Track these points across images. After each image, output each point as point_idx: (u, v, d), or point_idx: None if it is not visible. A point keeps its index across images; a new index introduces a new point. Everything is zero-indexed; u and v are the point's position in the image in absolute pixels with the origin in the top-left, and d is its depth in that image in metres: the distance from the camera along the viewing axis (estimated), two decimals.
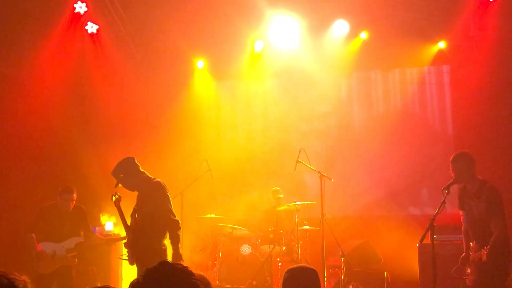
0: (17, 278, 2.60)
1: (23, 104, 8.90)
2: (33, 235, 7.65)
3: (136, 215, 6.36)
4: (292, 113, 10.61)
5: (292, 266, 3.92)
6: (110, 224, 8.88)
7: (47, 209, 7.88)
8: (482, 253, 6.09)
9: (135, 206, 6.38)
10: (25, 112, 8.98)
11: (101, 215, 8.82)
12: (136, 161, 6.34)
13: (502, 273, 6.16)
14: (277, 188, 9.69)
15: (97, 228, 8.73)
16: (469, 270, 6.40)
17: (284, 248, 8.79)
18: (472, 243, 6.38)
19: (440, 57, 10.11)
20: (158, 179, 6.35)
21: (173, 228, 6.15)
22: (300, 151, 8.56)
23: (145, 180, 6.32)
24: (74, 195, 7.82)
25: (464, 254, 6.49)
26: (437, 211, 5.90)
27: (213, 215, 9.17)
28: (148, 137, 10.15)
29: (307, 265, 3.99)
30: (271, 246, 8.62)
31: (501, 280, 6.15)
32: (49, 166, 9.10)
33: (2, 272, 2.52)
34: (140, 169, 6.36)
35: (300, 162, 8.54)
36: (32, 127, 9.11)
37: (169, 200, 6.34)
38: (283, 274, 3.92)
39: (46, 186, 8.97)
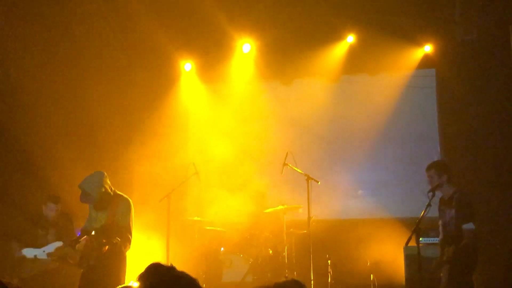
0: (9, 281, 2.63)
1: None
2: (15, 242, 7.76)
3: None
4: (280, 115, 10.66)
5: (279, 282, 3.72)
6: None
7: (32, 217, 7.95)
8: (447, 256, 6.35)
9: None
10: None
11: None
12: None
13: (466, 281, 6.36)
14: (263, 191, 9.73)
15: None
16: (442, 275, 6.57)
17: (270, 251, 8.82)
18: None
19: (426, 60, 10.21)
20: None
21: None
22: (287, 153, 8.63)
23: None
24: (59, 205, 7.90)
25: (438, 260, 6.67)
26: (423, 214, 6.06)
27: (199, 218, 9.24)
28: (134, 140, 10.15)
29: (295, 279, 3.79)
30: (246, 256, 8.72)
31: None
32: (33, 170, 9.12)
33: None
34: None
35: (287, 165, 8.61)
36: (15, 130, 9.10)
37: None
38: None
39: (31, 192, 8.98)
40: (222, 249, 8.99)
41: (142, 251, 8.05)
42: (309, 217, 8.25)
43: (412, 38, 9.93)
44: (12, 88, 9.16)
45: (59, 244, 7.77)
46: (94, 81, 9.89)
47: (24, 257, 7.71)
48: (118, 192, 6.56)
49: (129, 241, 6.33)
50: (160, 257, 8.28)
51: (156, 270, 2.82)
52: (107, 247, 6.18)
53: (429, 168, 6.77)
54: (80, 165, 8.64)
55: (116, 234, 6.26)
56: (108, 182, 6.45)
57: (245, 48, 10.55)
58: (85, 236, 6.37)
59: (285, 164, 8.59)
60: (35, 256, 7.72)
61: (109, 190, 6.44)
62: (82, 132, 9.77)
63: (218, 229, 9.18)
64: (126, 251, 6.32)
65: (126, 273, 6.31)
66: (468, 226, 6.41)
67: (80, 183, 6.30)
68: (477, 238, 6.48)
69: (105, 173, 6.43)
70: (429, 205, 6.05)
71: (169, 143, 10.21)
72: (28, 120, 9.27)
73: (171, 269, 2.80)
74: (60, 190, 8.33)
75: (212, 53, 10.44)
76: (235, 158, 10.08)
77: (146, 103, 10.34)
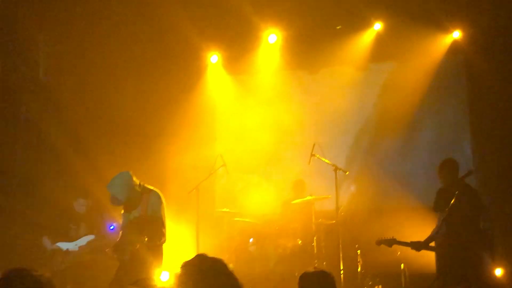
0: (41, 274, 2.70)
1: None
2: (46, 237, 8.04)
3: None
4: (307, 106, 10.60)
5: (308, 271, 3.88)
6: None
7: (64, 212, 8.11)
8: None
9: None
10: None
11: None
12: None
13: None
14: (299, 179, 9.65)
15: (115, 224, 8.60)
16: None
17: (300, 242, 8.82)
18: None
19: (455, 47, 10.08)
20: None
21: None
22: (314, 145, 8.62)
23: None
24: (89, 200, 8.06)
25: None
26: (453, 202, 5.98)
27: (228, 210, 9.23)
28: (163, 133, 10.13)
29: (323, 269, 3.95)
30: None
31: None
32: (64, 166, 9.25)
33: (27, 269, 2.61)
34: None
35: (315, 155, 8.60)
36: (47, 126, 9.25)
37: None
38: (299, 278, 3.90)
39: (63, 188, 9.09)
40: (251, 240, 8.97)
41: (173, 242, 7.64)
42: (337, 207, 8.25)
43: (441, 24, 9.81)
44: (43, 84, 9.36)
45: (91, 237, 7.99)
46: (123, 75, 9.94)
47: (56, 250, 7.89)
48: (147, 186, 6.51)
49: (163, 234, 6.35)
50: (190, 249, 8.34)
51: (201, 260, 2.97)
52: (138, 245, 6.24)
53: (441, 167, 7.03)
54: (111, 160, 8.73)
55: (150, 229, 6.30)
56: (135, 180, 6.39)
57: (271, 39, 10.49)
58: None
59: (312, 155, 8.57)
60: (68, 249, 7.92)
61: (137, 188, 6.39)
62: (112, 127, 9.84)
63: (247, 220, 9.13)
64: (162, 245, 6.37)
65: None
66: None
67: (107, 185, 6.32)
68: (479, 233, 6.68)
69: (130, 172, 6.37)
70: (459, 193, 5.99)
71: (198, 135, 10.20)
72: (58, 115, 9.47)
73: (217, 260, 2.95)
74: (91, 185, 8.37)
75: (238, 44, 10.36)
76: (262, 149, 10.08)
77: (175, 96, 10.29)
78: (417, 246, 7.13)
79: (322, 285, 3.77)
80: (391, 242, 7.33)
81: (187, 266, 2.98)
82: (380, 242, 7.41)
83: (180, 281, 2.94)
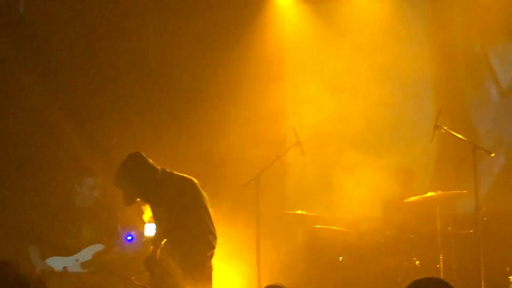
0: (29, 271, 2.76)
1: None
2: (34, 247, 6.99)
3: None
4: (427, 47, 8.84)
5: (418, 278, 3.22)
6: (152, 227, 6.84)
7: (59, 208, 7.16)
8: None
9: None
10: None
11: (143, 207, 7.02)
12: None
13: None
14: (405, 167, 8.32)
15: (134, 233, 7.37)
16: None
17: (417, 263, 7.48)
18: None
19: None
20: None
21: None
22: (440, 111, 7.17)
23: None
24: (99, 179, 7.08)
25: None
26: None
27: (304, 212, 7.99)
28: (203, 95, 8.77)
29: (438, 277, 3.24)
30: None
31: None
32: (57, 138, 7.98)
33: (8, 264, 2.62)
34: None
35: (441, 127, 7.12)
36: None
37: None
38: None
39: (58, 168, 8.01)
40: (340, 258, 7.76)
41: (221, 259, 6.41)
42: (476, 209, 6.84)
43: None
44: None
45: (97, 247, 6.93)
46: (145, 6, 8.80)
47: (49, 270, 6.80)
48: (175, 173, 5.64)
49: (210, 245, 5.49)
50: (246, 269, 7.34)
51: None
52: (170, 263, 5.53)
53: None
54: (125, 135, 7.87)
55: (185, 237, 5.48)
56: (151, 164, 5.59)
57: None
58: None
59: (436, 127, 7.09)
60: (65, 268, 6.87)
61: (156, 176, 5.57)
62: (129, 88, 8.64)
63: (334, 228, 7.95)
64: (208, 260, 5.54)
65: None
66: None
67: (114, 179, 5.64)
68: None
69: (141, 154, 5.60)
70: None
71: (257, 98, 8.72)
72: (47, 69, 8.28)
73: None
74: (99, 168, 7.18)
75: None
76: (355, 119, 8.54)
77: (222, 37, 8.80)
78: None
79: None
80: None
81: None
82: None
83: None
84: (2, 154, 8.32)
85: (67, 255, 6.90)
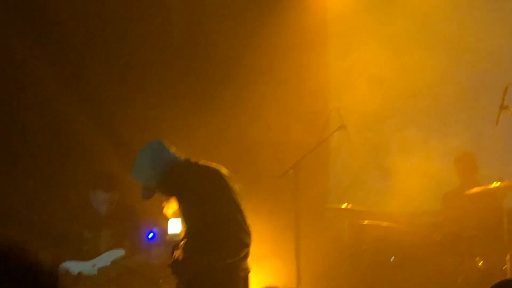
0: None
1: None
2: (48, 251, 6.82)
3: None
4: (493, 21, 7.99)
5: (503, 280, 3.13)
6: (176, 222, 6.33)
7: (75, 215, 7.09)
8: None
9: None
10: None
11: (165, 201, 6.62)
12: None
13: None
14: (467, 153, 7.72)
15: (156, 229, 7.07)
16: None
17: (481, 263, 6.95)
18: None
19: None
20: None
21: None
22: (507, 87, 6.60)
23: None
24: (115, 194, 6.92)
25: None
26: None
27: (350, 206, 7.48)
28: (235, 77, 8.15)
29: None
30: None
31: None
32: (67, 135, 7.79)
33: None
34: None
35: (508, 108, 6.67)
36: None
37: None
38: None
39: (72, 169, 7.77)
40: (392, 258, 7.17)
41: (257, 255, 5.96)
42: None
43: None
44: None
45: (117, 253, 6.85)
46: None
47: (63, 275, 6.83)
48: (201, 163, 5.34)
49: (243, 242, 5.18)
50: (284, 270, 7.12)
51: None
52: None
53: None
54: (144, 124, 7.53)
55: (213, 234, 5.16)
56: (172, 153, 5.30)
57: None
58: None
59: (503, 107, 6.63)
60: (80, 273, 6.83)
61: (177, 166, 5.29)
62: (144, 68, 8.18)
63: (385, 224, 7.39)
64: (243, 261, 5.20)
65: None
66: None
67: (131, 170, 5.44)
68: None
69: (162, 142, 5.35)
70: None
71: (296, 75, 8.14)
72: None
73: None
74: (115, 168, 6.96)
75: None
76: (407, 98, 7.92)
77: (255, 11, 8.14)
78: None
79: None
80: None
81: None
82: None
83: None
84: (14, 153, 7.91)
85: (83, 261, 6.84)
